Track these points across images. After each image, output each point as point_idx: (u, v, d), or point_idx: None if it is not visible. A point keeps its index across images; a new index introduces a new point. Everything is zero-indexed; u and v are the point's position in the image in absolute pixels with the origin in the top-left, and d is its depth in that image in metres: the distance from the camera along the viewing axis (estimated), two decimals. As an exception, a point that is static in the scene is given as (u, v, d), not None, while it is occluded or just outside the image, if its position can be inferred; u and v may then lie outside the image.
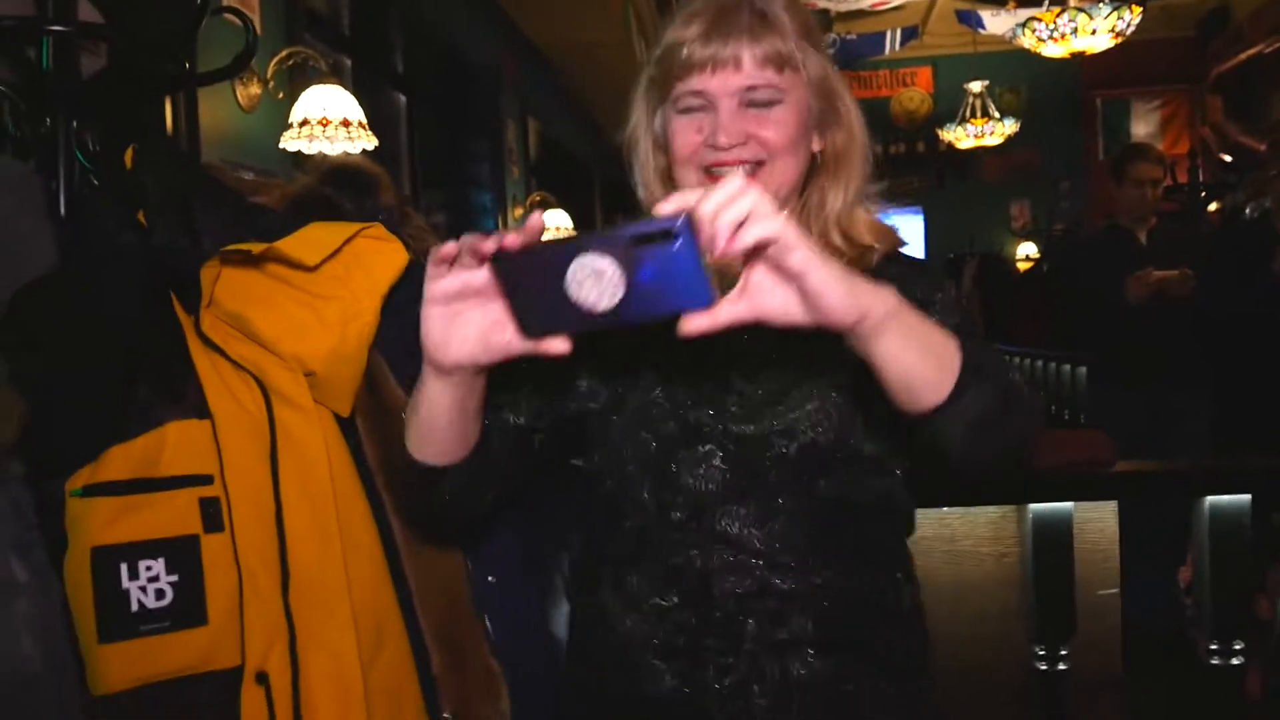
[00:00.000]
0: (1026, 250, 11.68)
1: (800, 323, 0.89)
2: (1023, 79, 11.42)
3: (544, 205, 6.82)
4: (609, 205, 10.34)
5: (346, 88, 5.01)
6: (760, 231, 0.85)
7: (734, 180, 0.87)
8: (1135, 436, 3.90)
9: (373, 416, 1.52)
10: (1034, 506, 1.80)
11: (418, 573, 1.45)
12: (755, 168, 1.16)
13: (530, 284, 0.89)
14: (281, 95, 3.39)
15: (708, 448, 1.15)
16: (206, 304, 1.32)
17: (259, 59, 3.35)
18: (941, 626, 2.13)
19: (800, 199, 1.23)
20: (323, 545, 1.32)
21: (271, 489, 1.29)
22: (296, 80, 3.43)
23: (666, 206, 0.84)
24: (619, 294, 0.85)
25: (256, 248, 1.31)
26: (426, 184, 5.99)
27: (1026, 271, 11.02)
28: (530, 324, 0.92)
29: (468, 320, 0.98)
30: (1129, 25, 7.05)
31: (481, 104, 6.24)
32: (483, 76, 6.17)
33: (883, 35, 9.88)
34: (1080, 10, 7.05)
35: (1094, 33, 6.99)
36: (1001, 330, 8.69)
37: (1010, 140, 10.54)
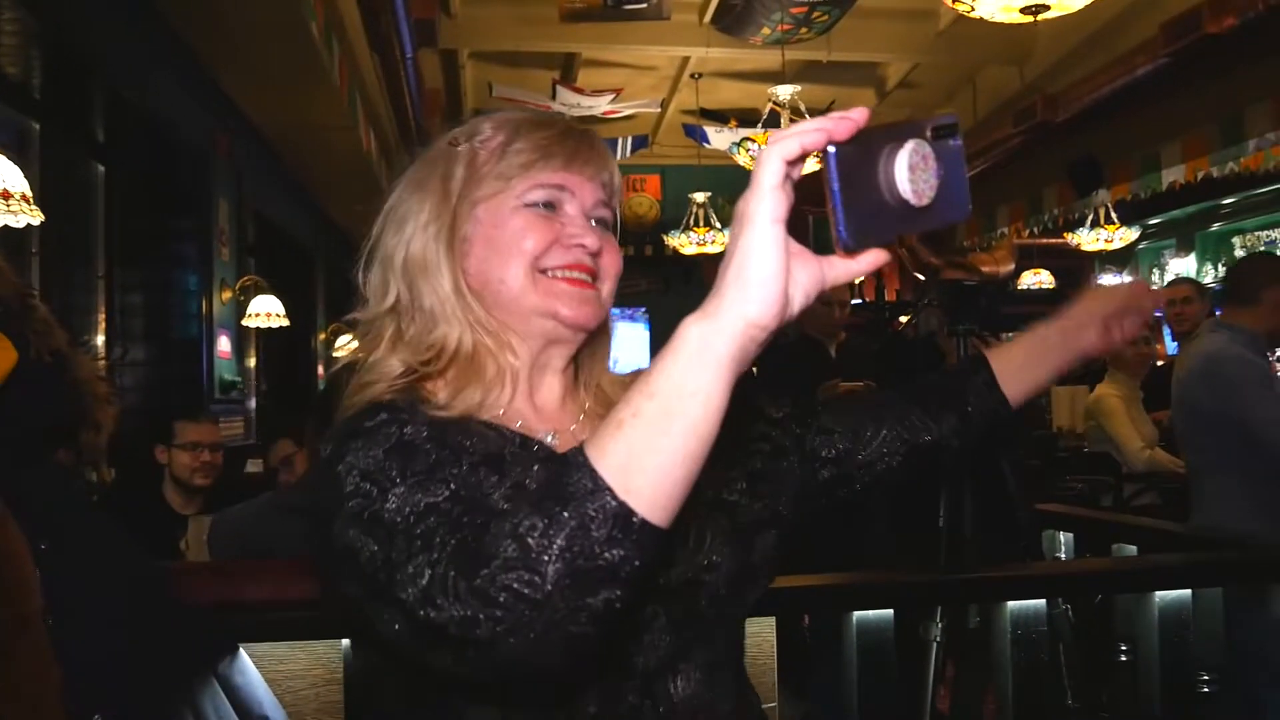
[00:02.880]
0: (743, 354, 12.24)
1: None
2: (742, 192, 12.12)
3: (255, 289, 6.53)
4: (332, 292, 10.04)
5: (29, 155, 4.64)
6: None
7: None
8: (829, 541, 4.10)
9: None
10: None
11: None
12: (592, 282, 1.09)
13: (860, 177, 0.76)
14: (-69, 160, 3.07)
15: (650, 609, 1.02)
16: None
17: (-92, 118, 3.03)
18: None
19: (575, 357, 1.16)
20: None
21: None
22: (-45, 144, 3.12)
23: (943, 114, 0.82)
24: (935, 187, 0.78)
25: None
26: (124, 261, 5.59)
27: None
28: (855, 228, 0.76)
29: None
30: (832, 150, 7.60)
31: (190, 180, 5.93)
32: (192, 152, 5.87)
33: (615, 142, 10.22)
34: (789, 134, 7.56)
35: (801, 155, 7.50)
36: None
37: (730, 249, 11.11)
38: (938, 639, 2.22)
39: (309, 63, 5.40)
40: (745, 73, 9.48)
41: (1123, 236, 9.17)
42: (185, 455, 3.39)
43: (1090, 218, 9.04)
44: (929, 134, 0.78)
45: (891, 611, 1.90)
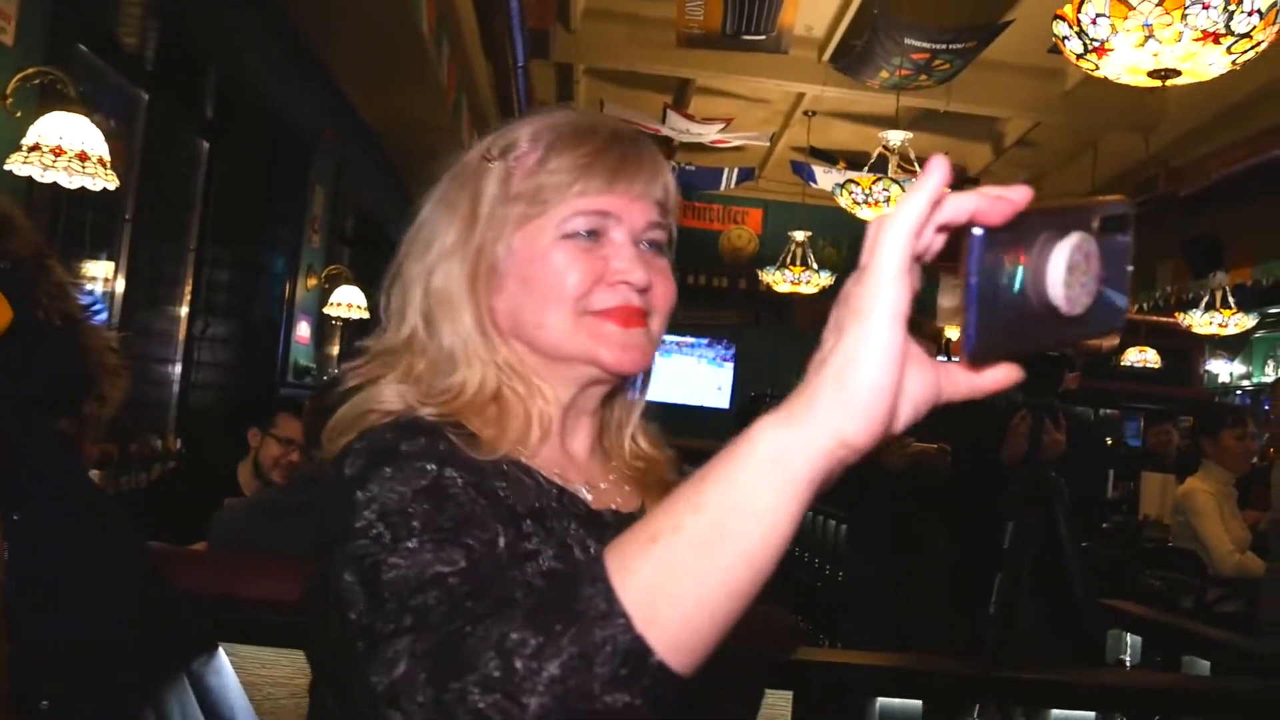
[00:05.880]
0: (828, 400, 11.96)
1: None
2: (845, 236, 11.86)
3: (340, 279, 6.57)
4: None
5: (135, 124, 4.72)
6: None
7: None
8: (880, 597, 3.95)
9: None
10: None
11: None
12: (642, 319, 0.95)
13: (1004, 271, 0.59)
14: (20, 115, 3.10)
15: None
16: None
17: (3, 72, 3.06)
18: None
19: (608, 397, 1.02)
20: None
21: None
22: (49, 104, 3.15)
23: (1115, 201, 0.62)
24: (1093, 293, 0.60)
25: None
26: (216, 238, 5.67)
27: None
28: (987, 337, 0.59)
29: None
30: (937, 202, 7.41)
31: (291, 165, 6.00)
32: (296, 138, 5.94)
33: (720, 172, 10.14)
34: (895, 181, 7.39)
35: (905, 204, 7.32)
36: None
37: (825, 291, 10.88)
38: (973, 738, 2.04)
39: (415, 60, 5.41)
40: (859, 115, 9.33)
41: (1238, 323, 8.73)
42: (276, 448, 3.28)
43: (1206, 299, 8.64)
44: (1096, 225, 0.61)
45: (920, 703, 1.73)
